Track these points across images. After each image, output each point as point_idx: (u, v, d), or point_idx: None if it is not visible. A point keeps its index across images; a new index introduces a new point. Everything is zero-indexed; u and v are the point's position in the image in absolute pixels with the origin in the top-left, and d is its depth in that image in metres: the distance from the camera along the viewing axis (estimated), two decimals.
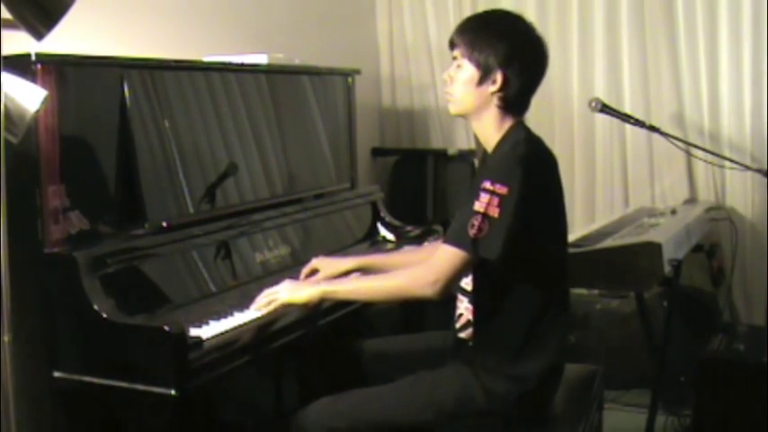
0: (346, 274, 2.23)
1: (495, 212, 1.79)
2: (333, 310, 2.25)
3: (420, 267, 1.89)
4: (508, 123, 1.96)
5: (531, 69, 1.95)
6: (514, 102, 1.95)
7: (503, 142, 1.94)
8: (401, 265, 2.20)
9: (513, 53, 1.91)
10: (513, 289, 1.92)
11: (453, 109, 2.01)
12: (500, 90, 1.92)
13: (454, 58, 1.98)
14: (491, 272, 1.85)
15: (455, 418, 1.93)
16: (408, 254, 2.45)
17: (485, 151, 2.01)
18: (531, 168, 1.83)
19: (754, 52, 3.41)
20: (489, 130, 1.96)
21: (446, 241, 1.86)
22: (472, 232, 1.79)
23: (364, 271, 2.26)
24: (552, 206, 1.95)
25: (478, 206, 1.80)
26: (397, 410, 1.94)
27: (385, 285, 1.96)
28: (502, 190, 1.79)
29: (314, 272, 2.25)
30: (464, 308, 2.04)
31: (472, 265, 1.85)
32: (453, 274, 1.84)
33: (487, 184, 1.80)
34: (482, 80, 1.93)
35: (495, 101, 1.94)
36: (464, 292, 2.01)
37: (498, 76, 1.91)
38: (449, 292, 1.92)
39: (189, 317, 2.00)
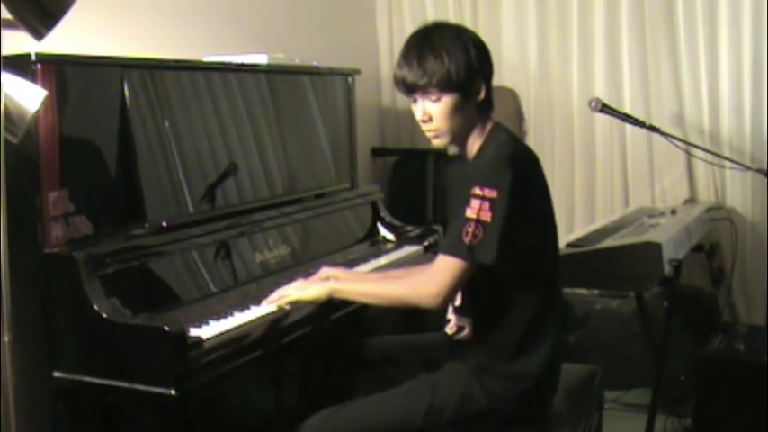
0: None
1: (487, 217, 1.78)
2: (334, 310, 2.25)
3: (422, 278, 1.89)
4: (488, 126, 1.96)
5: (489, 59, 1.94)
6: (489, 100, 1.95)
7: (486, 146, 1.93)
8: None
9: (476, 57, 1.89)
10: (507, 288, 1.92)
11: (444, 142, 1.95)
12: (483, 97, 1.92)
13: (414, 101, 1.95)
14: (485, 273, 1.85)
15: (457, 419, 1.93)
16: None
17: (461, 157, 1.99)
18: (518, 168, 1.82)
19: (754, 52, 3.41)
20: (474, 139, 1.96)
21: (443, 252, 1.86)
22: (467, 239, 1.79)
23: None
24: (541, 203, 1.95)
25: (470, 212, 1.79)
26: (399, 419, 1.93)
27: (389, 293, 1.97)
28: (492, 194, 1.78)
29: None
30: (451, 313, 2.04)
31: (472, 272, 1.85)
32: (454, 284, 1.84)
33: (477, 190, 1.80)
34: (466, 99, 1.90)
35: (475, 111, 1.93)
36: None
37: (480, 85, 1.91)
38: (451, 301, 1.93)
39: (189, 317, 2.00)
